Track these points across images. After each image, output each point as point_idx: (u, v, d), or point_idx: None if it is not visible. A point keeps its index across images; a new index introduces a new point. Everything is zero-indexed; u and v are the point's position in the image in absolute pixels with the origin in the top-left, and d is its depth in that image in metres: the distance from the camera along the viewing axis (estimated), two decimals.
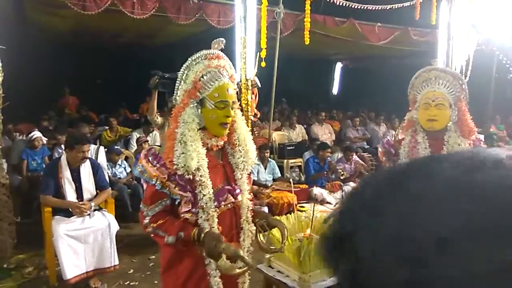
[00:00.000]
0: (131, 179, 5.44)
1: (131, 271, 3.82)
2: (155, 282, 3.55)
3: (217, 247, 1.51)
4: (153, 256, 4.06)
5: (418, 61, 8.84)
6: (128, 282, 3.62)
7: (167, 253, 1.72)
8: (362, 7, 5.55)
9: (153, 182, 1.60)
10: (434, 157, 0.44)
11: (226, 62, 1.72)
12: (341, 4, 5.23)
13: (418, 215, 0.38)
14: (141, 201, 1.69)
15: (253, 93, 3.97)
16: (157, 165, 1.61)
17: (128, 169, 5.53)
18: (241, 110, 3.95)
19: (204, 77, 1.63)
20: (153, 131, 6.20)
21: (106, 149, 5.28)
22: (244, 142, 1.74)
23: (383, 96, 12.18)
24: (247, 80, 3.94)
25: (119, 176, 5.37)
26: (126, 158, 5.73)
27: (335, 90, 12.75)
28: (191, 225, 1.61)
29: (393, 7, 5.76)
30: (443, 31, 5.81)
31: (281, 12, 5.50)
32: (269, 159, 6.15)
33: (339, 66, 12.41)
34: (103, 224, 3.50)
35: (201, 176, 1.60)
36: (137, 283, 3.61)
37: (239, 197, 1.73)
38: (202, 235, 1.56)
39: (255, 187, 5.39)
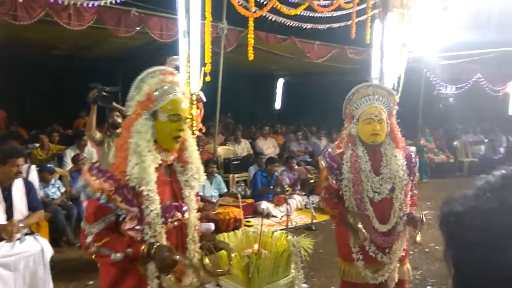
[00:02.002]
0: (65, 200, 5.10)
1: None
2: None
3: (171, 258, 1.47)
4: (91, 282, 3.81)
5: (354, 78, 9.34)
6: None
7: (108, 276, 1.62)
8: (302, 26, 5.76)
9: (97, 196, 1.53)
10: None
11: (179, 79, 1.74)
12: (283, 22, 5.39)
13: None
14: (83, 220, 1.60)
15: (198, 108, 3.93)
16: (103, 177, 1.54)
17: (63, 189, 5.18)
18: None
19: (159, 90, 1.63)
20: (85, 145, 5.87)
21: (38, 168, 4.91)
22: (195, 160, 1.75)
23: (323, 111, 12.66)
24: (191, 94, 3.89)
25: (52, 197, 5.01)
26: (60, 177, 5.37)
27: (277, 105, 13.04)
28: (138, 241, 1.55)
29: (331, 27, 6.05)
30: (377, 50, 6.21)
31: (224, 28, 5.55)
32: (215, 174, 6.09)
33: (281, 81, 12.73)
34: (36, 249, 3.22)
35: (149, 190, 1.55)
36: None
37: (186, 215, 1.69)
38: (153, 250, 1.50)
39: (201, 203, 5.29)
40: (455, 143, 10.60)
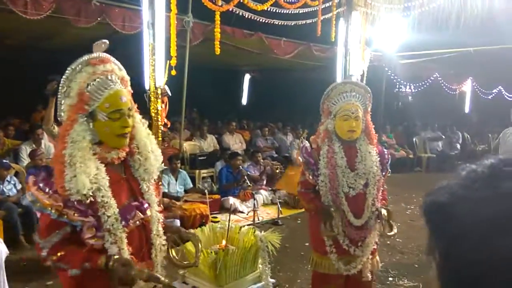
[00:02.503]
0: (22, 196, 4.86)
1: None
2: None
3: (129, 274, 1.40)
4: (51, 282, 3.65)
5: (319, 75, 9.51)
6: None
7: (71, 282, 1.53)
8: (269, 21, 5.76)
9: (48, 212, 1.42)
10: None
11: (114, 65, 1.54)
12: (250, 17, 5.37)
13: None
14: (36, 232, 1.52)
15: (163, 102, 3.85)
16: (50, 192, 1.43)
17: (19, 186, 4.93)
18: (151, 119, 3.83)
19: (90, 87, 1.46)
20: (41, 139, 5.61)
21: None
22: (144, 149, 1.59)
23: (289, 106, 12.80)
24: (156, 88, 3.80)
25: (7, 194, 4.76)
26: (16, 174, 5.11)
27: (244, 100, 13.04)
28: (97, 252, 1.45)
29: (297, 23, 6.09)
30: (341, 47, 6.32)
31: (190, 21, 5.46)
32: (180, 170, 6.01)
33: (248, 77, 12.73)
34: None
35: (102, 196, 1.44)
36: None
37: (148, 212, 1.60)
38: (111, 262, 1.42)
39: (166, 200, 5.21)
40: (414, 139, 11.03)
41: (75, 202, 1.42)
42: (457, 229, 0.52)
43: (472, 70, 11.99)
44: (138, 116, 1.61)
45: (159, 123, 3.79)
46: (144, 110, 4.06)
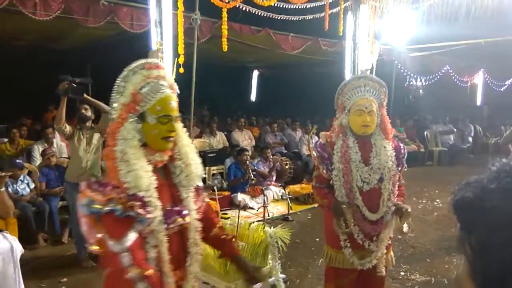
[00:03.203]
0: (35, 196, 4.94)
1: None
2: None
3: None
4: (65, 279, 3.72)
5: (328, 69, 9.46)
6: None
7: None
8: (276, 17, 5.73)
9: (108, 210, 1.36)
10: None
11: (166, 73, 1.59)
12: (257, 13, 5.35)
13: None
14: (102, 240, 1.37)
15: None
16: (109, 187, 1.39)
17: (32, 185, 5.01)
18: None
19: (144, 89, 1.49)
20: (53, 138, 5.69)
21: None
22: (186, 156, 1.60)
23: (298, 102, 12.77)
24: None
25: (21, 193, 4.85)
26: (29, 173, 5.19)
27: (253, 97, 13.03)
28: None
29: (305, 18, 6.05)
30: (349, 41, 6.27)
31: (197, 19, 5.46)
32: None
33: (256, 73, 12.71)
34: (5, 247, 3.10)
35: (150, 196, 1.42)
36: None
37: (187, 219, 1.57)
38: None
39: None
40: (425, 133, 10.92)
41: (135, 196, 1.39)
42: (490, 223, 0.52)
43: (483, 62, 11.81)
44: (180, 125, 1.62)
45: None
46: None
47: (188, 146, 1.63)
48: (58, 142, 5.88)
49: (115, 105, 1.51)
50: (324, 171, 2.38)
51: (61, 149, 5.88)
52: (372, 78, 2.45)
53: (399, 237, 4.65)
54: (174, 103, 1.55)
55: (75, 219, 4.23)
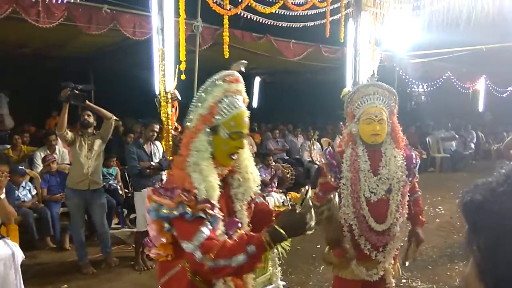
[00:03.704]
0: (37, 202, 4.96)
1: None
2: None
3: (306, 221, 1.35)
4: (65, 285, 3.71)
5: (329, 76, 9.48)
6: None
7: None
8: (277, 24, 5.77)
9: (178, 214, 1.37)
10: None
11: (243, 86, 1.60)
12: (258, 20, 5.39)
13: None
14: (182, 241, 1.39)
15: (173, 106, 3.89)
16: (178, 190, 1.39)
17: (34, 191, 5.03)
18: (161, 124, 3.87)
19: (222, 102, 1.50)
20: (55, 144, 5.70)
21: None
22: (245, 169, 1.61)
23: (299, 108, 12.80)
24: (166, 93, 3.84)
25: (23, 199, 4.86)
26: (31, 179, 5.21)
27: (254, 103, 13.06)
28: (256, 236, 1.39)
29: (306, 25, 6.09)
30: (350, 48, 6.30)
31: (199, 26, 5.49)
32: None
33: (257, 80, 12.75)
34: (6, 253, 3.12)
35: (216, 206, 1.43)
36: None
37: (241, 231, 1.56)
38: (278, 227, 1.35)
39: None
40: (427, 139, 10.90)
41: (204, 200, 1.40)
42: (499, 225, 0.53)
43: (485, 69, 11.82)
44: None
45: (170, 127, 3.83)
46: (155, 115, 4.13)
47: (248, 159, 1.64)
48: (60, 148, 5.90)
49: (193, 114, 1.52)
50: (332, 179, 2.32)
51: (63, 155, 5.89)
52: (382, 86, 2.37)
53: (401, 244, 4.63)
54: (247, 119, 1.56)
55: (76, 225, 4.25)
